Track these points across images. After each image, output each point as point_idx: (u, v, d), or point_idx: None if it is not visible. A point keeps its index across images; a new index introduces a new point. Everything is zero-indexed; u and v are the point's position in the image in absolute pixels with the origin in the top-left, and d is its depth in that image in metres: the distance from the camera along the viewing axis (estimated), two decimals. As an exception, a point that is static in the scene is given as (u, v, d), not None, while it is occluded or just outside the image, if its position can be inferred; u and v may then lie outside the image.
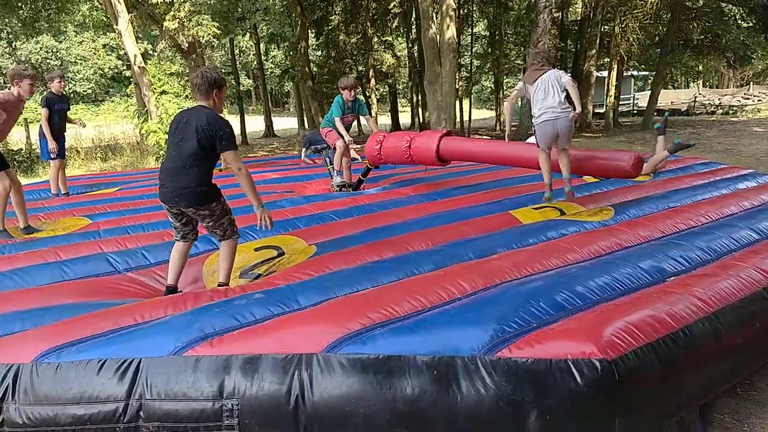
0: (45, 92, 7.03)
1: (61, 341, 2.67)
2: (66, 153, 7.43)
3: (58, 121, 6.93)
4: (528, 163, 5.86)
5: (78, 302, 3.41)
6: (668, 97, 32.29)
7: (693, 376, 2.53)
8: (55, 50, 44.61)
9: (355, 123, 6.75)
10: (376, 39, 21.91)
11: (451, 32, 14.53)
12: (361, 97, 6.85)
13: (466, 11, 22.13)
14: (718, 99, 29.59)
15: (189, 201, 3.51)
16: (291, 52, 22.70)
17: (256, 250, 4.31)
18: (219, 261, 3.78)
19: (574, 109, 5.02)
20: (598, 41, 20.82)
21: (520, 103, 18.24)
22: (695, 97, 30.37)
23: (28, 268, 4.04)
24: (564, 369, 2.21)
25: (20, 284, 3.78)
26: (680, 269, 3.31)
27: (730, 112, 26.59)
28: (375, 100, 21.86)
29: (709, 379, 2.64)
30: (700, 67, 31.04)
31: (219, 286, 3.65)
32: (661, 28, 20.88)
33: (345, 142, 6.74)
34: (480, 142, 7.09)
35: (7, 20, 17.45)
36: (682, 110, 28.30)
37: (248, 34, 24.35)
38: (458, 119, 19.70)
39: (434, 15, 14.67)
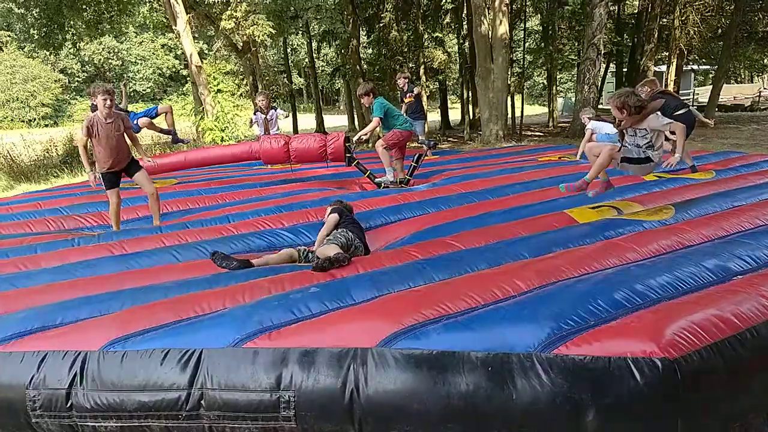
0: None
1: (127, 331, 2.78)
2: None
3: None
4: None
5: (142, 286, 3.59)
6: (731, 92, 30.95)
7: (761, 379, 2.42)
8: (116, 50, 46.31)
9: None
10: (426, 35, 21.81)
11: (503, 27, 14.35)
12: (380, 99, 7.12)
13: (519, 6, 21.80)
14: (785, 93, 28.24)
15: None
16: (342, 50, 22.84)
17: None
18: None
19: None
20: (656, 35, 20.16)
21: (574, 99, 17.88)
22: (760, 92, 29.06)
23: (97, 260, 4.26)
24: (623, 368, 2.16)
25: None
26: (747, 268, 3.16)
27: (798, 107, 25.35)
28: (425, 97, 21.79)
29: (777, 383, 2.53)
30: (766, 61, 29.70)
31: None
32: (723, 20, 20.07)
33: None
34: None
35: (72, 22, 18.17)
36: (746, 106, 27.16)
37: (300, 33, 24.63)
38: (510, 115, 19.44)
39: (486, 10, 14.51)
